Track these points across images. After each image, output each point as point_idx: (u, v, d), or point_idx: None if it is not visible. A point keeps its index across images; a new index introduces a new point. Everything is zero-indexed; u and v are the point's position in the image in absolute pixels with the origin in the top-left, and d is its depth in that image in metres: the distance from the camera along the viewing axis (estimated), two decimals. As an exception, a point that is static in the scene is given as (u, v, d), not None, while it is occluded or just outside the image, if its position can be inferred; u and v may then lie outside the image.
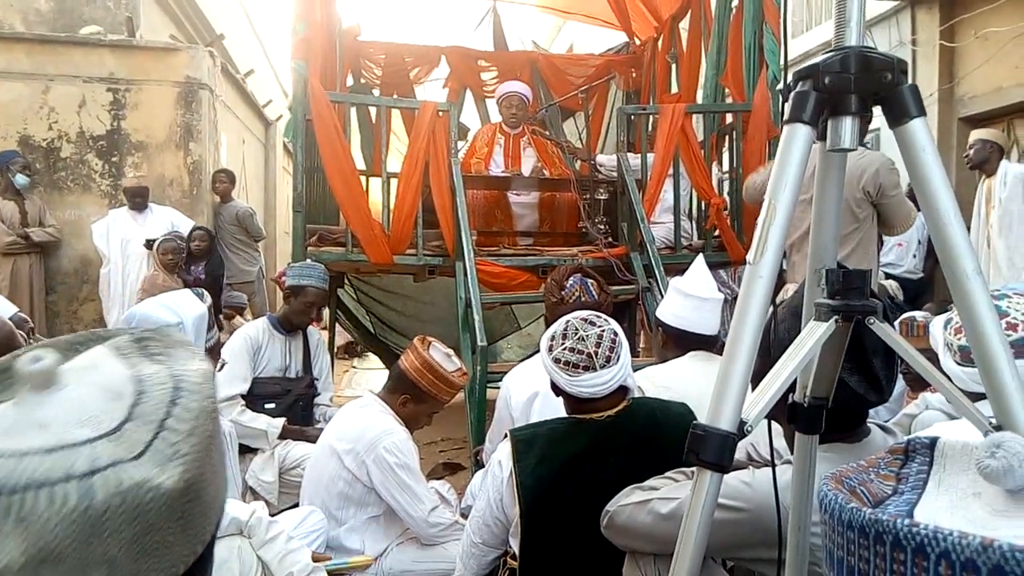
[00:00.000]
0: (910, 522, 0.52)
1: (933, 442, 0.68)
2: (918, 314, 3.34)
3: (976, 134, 5.45)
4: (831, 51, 0.94)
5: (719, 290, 2.79)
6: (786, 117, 0.94)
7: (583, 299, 2.78)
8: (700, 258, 2.86)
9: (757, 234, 0.92)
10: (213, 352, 2.34)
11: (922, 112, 0.92)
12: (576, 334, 1.97)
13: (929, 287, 6.25)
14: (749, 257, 0.92)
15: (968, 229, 5.46)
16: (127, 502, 0.60)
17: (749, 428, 0.89)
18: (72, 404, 0.64)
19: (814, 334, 0.92)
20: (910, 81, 0.94)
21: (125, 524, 0.60)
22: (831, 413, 1.12)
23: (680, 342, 2.65)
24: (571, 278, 2.87)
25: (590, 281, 2.86)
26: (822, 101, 0.94)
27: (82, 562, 0.59)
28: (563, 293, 2.83)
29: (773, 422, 1.34)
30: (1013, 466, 0.57)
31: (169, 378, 0.69)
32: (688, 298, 2.63)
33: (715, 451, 0.88)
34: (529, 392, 2.76)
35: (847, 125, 0.95)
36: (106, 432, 0.63)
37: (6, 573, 0.56)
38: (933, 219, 0.89)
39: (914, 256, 6.38)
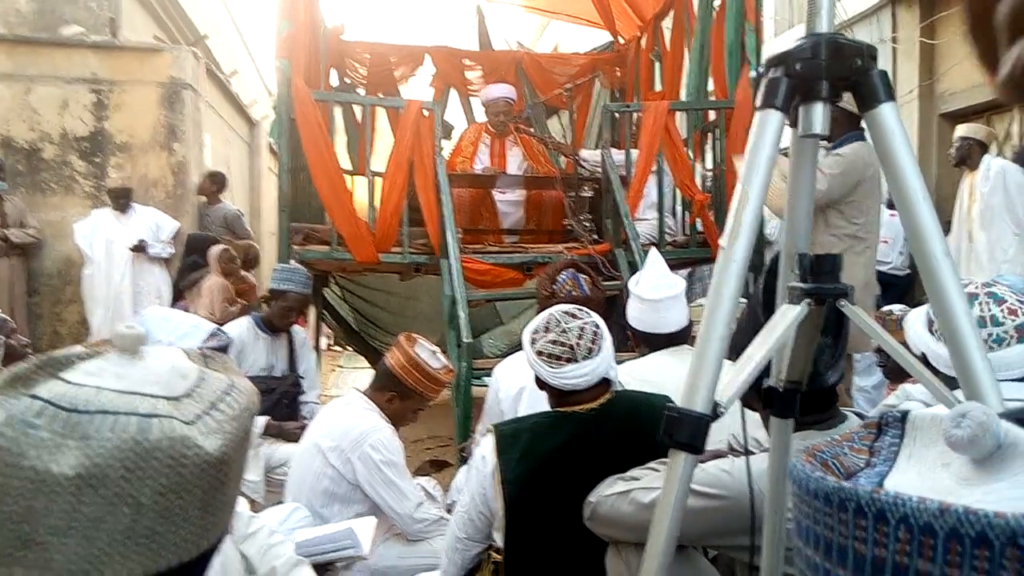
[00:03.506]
0: (871, 489, 0.53)
1: (905, 415, 0.69)
2: (896, 307, 3.37)
3: (958, 131, 5.48)
4: (802, 37, 0.96)
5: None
6: (758, 103, 0.95)
7: (574, 293, 2.80)
8: (653, 252, 2.86)
9: (730, 219, 0.93)
10: None
11: (891, 97, 0.94)
12: (558, 326, 1.98)
13: (915, 284, 6.30)
14: (722, 242, 0.93)
15: (950, 224, 5.52)
16: (174, 448, 0.69)
17: (722, 410, 0.90)
18: (147, 370, 0.77)
19: (787, 317, 0.93)
20: (880, 67, 0.95)
21: (164, 469, 0.69)
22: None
23: (649, 342, 2.68)
24: (563, 272, 2.89)
25: (582, 276, 2.88)
26: (793, 87, 0.95)
27: (117, 495, 0.67)
28: (555, 287, 2.85)
29: (750, 411, 1.36)
30: (978, 435, 0.57)
31: (226, 379, 0.83)
32: (644, 302, 2.65)
33: (689, 433, 0.89)
34: (517, 386, 2.76)
35: (818, 111, 0.96)
36: (169, 396, 0.74)
37: (54, 483, 0.65)
38: (903, 202, 0.91)
39: (900, 253, 6.43)
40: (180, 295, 6.42)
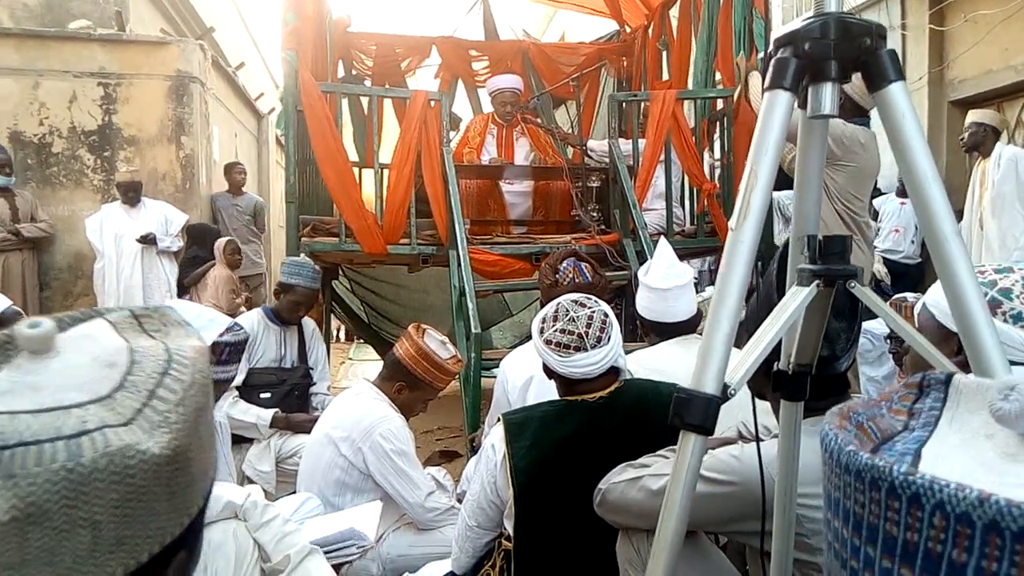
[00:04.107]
0: (907, 470, 0.51)
1: (949, 378, 0.65)
2: (909, 295, 3.36)
3: (971, 116, 5.41)
4: (810, 17, 0.95)
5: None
6: (767, 84, 0.95)
7: (577, 280, 2.82)
8: (663, 242, 2.87)
9: (739, 200, 0.93)
10: (220, 385, 2.22)
11: (901, 76, 0.93)
12: (567, 315, 1.98)
13: (928, 272, 6.27)
14: (731, 223, 0.93)
15: (962, 212, 5.48)
16: (114, 463, 0.61)
17: (732, 392, 0.90)
18: (66, 370, 0.65)
19: (796, 298, 0.93)
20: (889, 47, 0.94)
21: (111, 486, 0.61)
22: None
23: (658, 331, 2.69)
24: (565, 261, 2.91)
25: (584, 264, 2.89)
26: (802, 67, 0.94)
27: (67, 523, 0.59)
28: (557, 276, 2.86)
29: (760, 399, 1.36)
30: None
31: (163, 351, 0.71)
32: (653, 291, 2.66)
33: (699, 414, 0.89)
34: (525, 376, 2.77)
35: (827, 91, 0.95)
36: (97, 398, 0.64)
37: None
38: (913, 182, 0.90)
39: (912, 242, 6.41)
40: (185, 290, 6.47)
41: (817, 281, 0.94)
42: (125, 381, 0.66)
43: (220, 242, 6.41)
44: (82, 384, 0.65)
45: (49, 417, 0.61)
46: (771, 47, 0.99)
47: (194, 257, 6.56)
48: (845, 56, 0.94)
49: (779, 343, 1.07)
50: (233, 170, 7.62)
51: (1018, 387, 0.56)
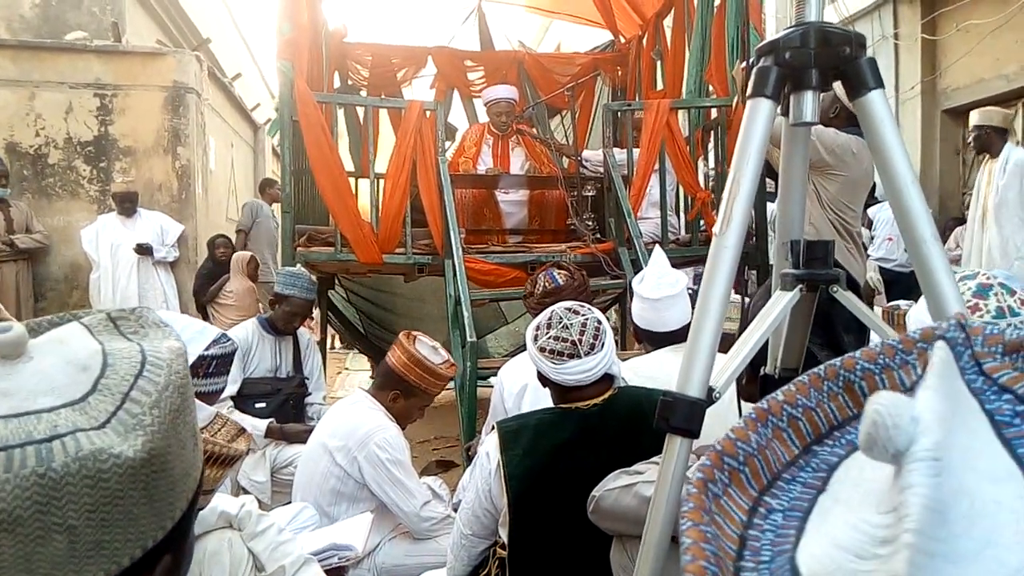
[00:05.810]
0: None
1: (935, 340, 0.48)
2: (902, 303, 3.38)
3: (973, 119, 5.18)
4: (791, 27, 0.97)
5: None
6: (749, 92, 0.96)
7: (548, 287, 2.96)
8: (657, 250, 2.91)
9: (723, 207, 0.94)
10: (207, 397, 2.19)
11: (880, 84, 0.94)
12: (560, 323, 1.99)
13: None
14: (715, 229, 0.95)
15: (959, 220, 5.44)
16: (86, 468, 0.60)
17: (717, 395, 0.91)
18: (37, 375, 0.65)
19: (780, 302, 0.94)
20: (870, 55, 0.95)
21: (85, 490, 0.60)
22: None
23: (651, 340, 2.71)
24: (542, 273, 3.02)
25: (556, 271, 3.00)
26: (784, 76, 0.96)
27: (41, 528, 0.59)
28: (534, 289, 2.98)
29: (747, 403, 1.36)
30: (871, 434, 0.38)
31: (138, 353, 0.70)
32: (645, 300, 2.67)
33: (684, 417, 0.90)
34: (520, 384, 2.78)
35: (808, 99, 0.97)
36: (70, 401, 0.63)
37: None
38: (892, 187, 0.92)
39: (905, 251, 6.39)
40: (204, 308, 6.45)
41: (800, 285, 0.95)
42: (98, 384, 0.66)
43: (243, 256, 6.39)
44: (54, 388, 0.64)
45: (19, 422, 0.60)
46: (753, 56, 1.00)
47: (209, 272, 6.54)
48: (825, 65, 0.95)
49: (765, 348, 1.09)
50: (275, 186, 7.88)
51: (878, 404, 0.39)
